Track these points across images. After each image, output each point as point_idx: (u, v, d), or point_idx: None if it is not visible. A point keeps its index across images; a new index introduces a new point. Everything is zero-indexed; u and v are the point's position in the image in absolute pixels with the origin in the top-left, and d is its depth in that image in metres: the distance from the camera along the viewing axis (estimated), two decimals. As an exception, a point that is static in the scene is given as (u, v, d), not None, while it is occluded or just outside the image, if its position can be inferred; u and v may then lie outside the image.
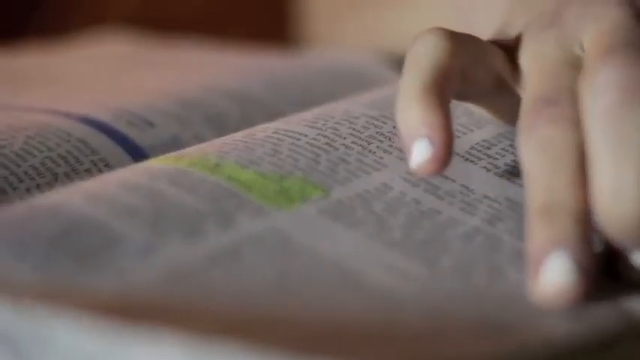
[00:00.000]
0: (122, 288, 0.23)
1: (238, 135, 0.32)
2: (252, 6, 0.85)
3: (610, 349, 0.24)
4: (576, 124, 0.27)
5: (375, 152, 0.31)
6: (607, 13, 0.29)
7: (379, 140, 0.31)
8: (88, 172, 0.34)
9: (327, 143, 0.31)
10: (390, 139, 0.32)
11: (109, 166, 0.35)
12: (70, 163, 0.35)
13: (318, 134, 0.31)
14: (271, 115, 0.37)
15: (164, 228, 0.25)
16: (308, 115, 0.34)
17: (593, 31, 0.29)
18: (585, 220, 0.26)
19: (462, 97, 0.32)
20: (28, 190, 0.33)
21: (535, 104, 0.28)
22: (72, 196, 0.27)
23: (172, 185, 0.27)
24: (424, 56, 0.29)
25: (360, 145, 0.31)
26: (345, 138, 0.31)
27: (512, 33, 0.32)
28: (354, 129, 0.32)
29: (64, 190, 0.28)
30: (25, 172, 0.34)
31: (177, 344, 0.20)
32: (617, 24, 0.28)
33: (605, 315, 0.24)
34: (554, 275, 0.25)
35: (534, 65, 0.30)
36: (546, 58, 0.30)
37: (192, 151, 0.30)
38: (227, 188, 0.27)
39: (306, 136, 0.31)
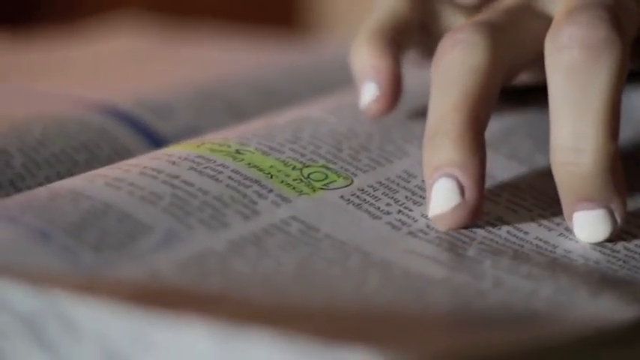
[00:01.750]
0: (144, 276, 0.23)
1: (259, 121, 0.32)
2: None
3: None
4: (477, 48, 0.27)
5: (396, 140, 0.30)
6: None
7: (400, 128, 0.31)
8: (109, 160, 0.34)
9: (348, 130, 0.30)
10: (410, 126, 0.31)
11: (129, 154, 0.35)
12: (90, 150, 0.35)
13: (339, 121, 0.31)
14: (288, 104, 0.37)
15: (186, 216, 0.25)
16: (328, 102, 0.34)
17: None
18: (468, 141, 0.26)
19: (429, 53, 0.31)
20: (47, 177, 0.33)
21: (447, 34, 0.28)
22: (93, 182, 0.26)
23: (193, 172, 0.27)
24: (381, 7, 0.31)
25: (381, 132, 0.31)
26: (365, 125, 0.31)
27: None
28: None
29: (86, 175, 0.28)
30: (45, 160, 0.33)
31: (203, 331, 0.19)
32: None
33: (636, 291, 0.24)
34: (437, 201, 0.26)
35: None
36: (493, 8, 0.30)
37: (213, 137, 0.30)
38: (248, 175, 0.27)
39: (327, 122, 0.31)
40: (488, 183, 0.29)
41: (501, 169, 0.30)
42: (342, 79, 0.43)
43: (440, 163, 0.26)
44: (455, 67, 0.27)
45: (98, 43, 0.54)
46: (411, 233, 0.26)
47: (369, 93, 0.30)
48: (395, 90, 0.29)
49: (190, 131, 0.37)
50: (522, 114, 0.33)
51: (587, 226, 0.26)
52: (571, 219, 0.26)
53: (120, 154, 0.35)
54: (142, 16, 0.62)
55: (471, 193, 0.26)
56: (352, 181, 0.28)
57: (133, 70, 0.49)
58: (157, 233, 0.24)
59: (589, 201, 0.26)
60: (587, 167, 0.25)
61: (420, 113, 0.32)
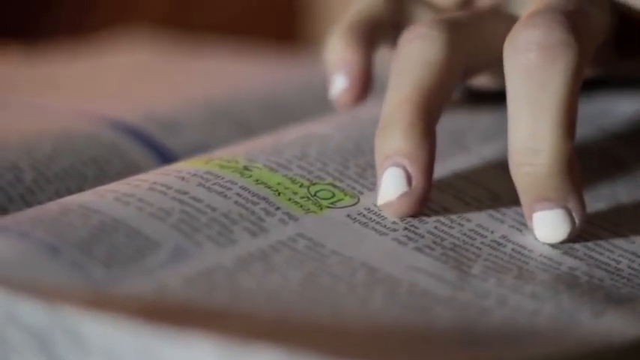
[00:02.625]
0: (153, 291, 0.23)
1: (267, 137, 0.32)
2: (269, 10, 0.86)
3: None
4: (433, 40, 0.27)
5: None
6: None
7: None
8: (118, 175, 0.34)
9: (355, 147, 0.31)
10: None
11: (138, 169, 0.35)
12: (99, 165, 0.35)
13: (346, 137, 0.31)
14: (297, 121, 0.37)
15: (194, 232, 0.25)
16: (335, 118, 0.34)
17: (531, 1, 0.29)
18: (417, 131, 0.26)
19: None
20: (57, 192, 0.33)
21: (409, 28, 0.29)
22: (103, 198, 0.27)
23: (202, 188, 0.27)
24: (358, 5, 0.32)
25: None
26: (372, 142, 0.31)
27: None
28: None
29: (96, 190, 0.28)
30: (55, 174, 0.34)
31: (210, 346, 0.20)
32: None
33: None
34: (385, 189, 0.26)
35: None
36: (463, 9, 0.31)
37: (222, 153, 0.30)
38: (256, 192, 0.28)
39: (333, 139, 0.31)
40: (493, 201, 0.29)
41: (506, 187, 0.30)
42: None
43: (390, 152, 0.26)
44: (411, 59, 0.27)
45: (107, 57, 0.54)
46: (417, 249, 0.26)
47: (338, 84, 0.31)
48: (363, 82, 0.31)
49: (199, 147, 0.37)
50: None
51: (546, 225, 0.27)
52: (531, 219, 0.27)
53: (129, 169, 0.35)
54: (150, 31, 0.62)
55: (417, 182, 0.26)
56: (359, 200, 0.28)
57: (141, 84, 0.49)
58: (165, 249, 0.24)
59: (547, 200, 0.26)
60: (543, 167, 0.25)
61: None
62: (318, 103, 0.43)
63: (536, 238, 0.27)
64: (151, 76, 0.51)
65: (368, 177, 0.29)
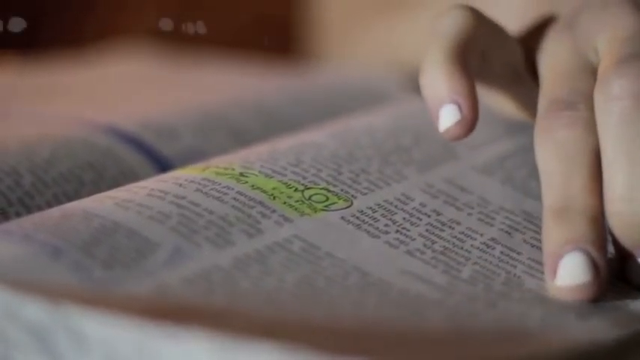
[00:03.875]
0: (153, 291, 0.24)
1: (262, 146, 0.33)
2: (261, 23, 0.86)
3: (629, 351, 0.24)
4: (591, 127, 0.27)
5: (395, 164, 0.31)
6: (622, 20, 0.30)
7: (399, 153, 0.32)
8: (114, 180, 0.35)
9: (348, 154, 0.31)
10: (408, 151, 0.32)
11: (134, 174, 0.35)
12: (96, 170, 0.36)
13: (340, 145, 0.32)
14: (291, 130, 0.38)
15: (192, 234, 0.26)
16: (329, 127, 0.35)
17: (607, 38, 0.29)
18: (599, 221, 0.26)
19: (481, 77, 0.32)
20: (55, 196, 0.34)
21: (551, 106, 0.28)
22: (103, 203, 0.27)
23: (199, 193, 0.28)
24: (448, 26, 0.30)
25: (381, 156, 0.32)
26: (365, 149, 0.32)
27: (531, 31, 0.33)
28: (374, 141, 0.33)
29: (95, 197, 0.29)
30: (53, 179, 0.34)
31: (207, 344, 0.20)
32: (632, 32, 0.29)
33: (621, 317, 0.25)
34: (570, 274, 0.26)
35: (549, 65, 0.31)
36: (561, 60, 0.31)
37: (218, 161, 0.31)
38: (252, 197, 0.28)
39: (327, 147, 0.32)
40: (483, 206, 0.30)
41: (495, 193, 0.31)
42: (343, 104, 0.44)
43: (574, 237, 0.26)
44: (577, 146, 0.27)
45: (104, 67, 0.55)
46: (408, 252, 0.27)
47: (449, 116, 0.28)
48: (475, 112, 0.28)
49: (195, 154, 0.38)
50: (519, 141, 0.34)
51: None
52: (625, 266, 0.27)
53: (125, 174, 0.36)
54: (146, 41, 0.63)
55: (603, 271, 0.26)
56: (352, 203, 0.29)
57: (138, 93, 0.50)
58: (164, 250, 0.25)
59: None
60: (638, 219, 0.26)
61: (420, 138, 0.33)
62: (311, 112, 0.43)
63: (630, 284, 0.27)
64: (147, 86, 0.52)
65: (361, 182, 0.30)
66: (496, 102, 0.34)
